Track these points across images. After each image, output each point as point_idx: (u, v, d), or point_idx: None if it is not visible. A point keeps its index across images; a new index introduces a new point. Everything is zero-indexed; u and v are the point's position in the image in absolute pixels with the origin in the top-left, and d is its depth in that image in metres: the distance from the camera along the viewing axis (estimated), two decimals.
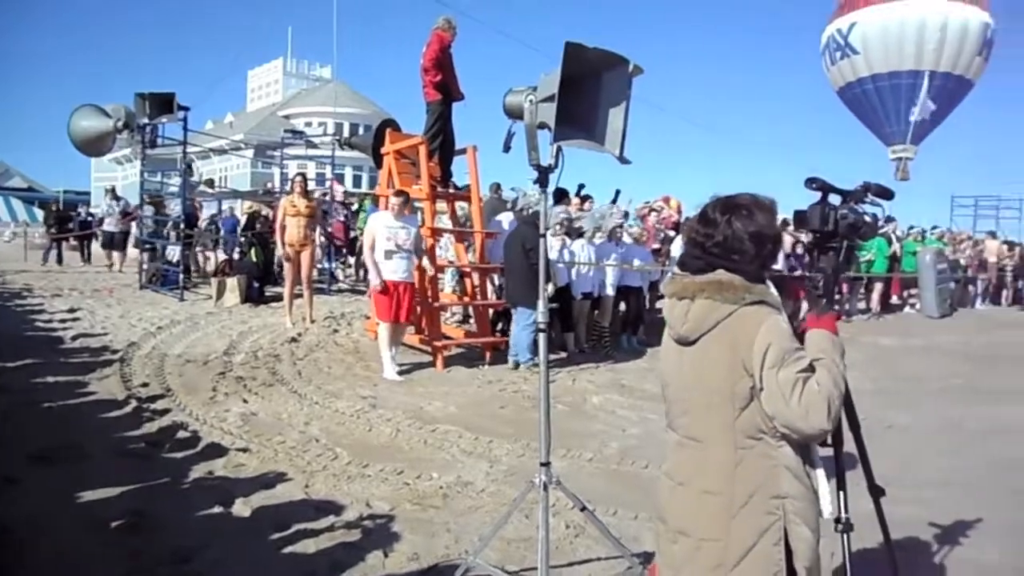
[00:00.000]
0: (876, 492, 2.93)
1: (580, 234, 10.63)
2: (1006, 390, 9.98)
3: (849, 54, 25.69)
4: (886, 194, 2.67)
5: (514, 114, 3.61)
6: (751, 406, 2.15)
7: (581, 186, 12.72)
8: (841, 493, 2.58)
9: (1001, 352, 12.75)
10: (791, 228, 9.35)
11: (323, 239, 14.52)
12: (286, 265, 10.69)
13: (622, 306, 11.42)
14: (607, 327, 10.89)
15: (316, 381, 8.06)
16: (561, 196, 11.58)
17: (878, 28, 24.47)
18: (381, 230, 8.36)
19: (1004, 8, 25.67)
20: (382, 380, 8.17)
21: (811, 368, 2.15)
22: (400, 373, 8.40)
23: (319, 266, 13.87)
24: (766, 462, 2.17)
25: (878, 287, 15.84)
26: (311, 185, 14.66)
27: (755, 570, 2.16)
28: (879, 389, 9.46)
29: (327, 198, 16.18)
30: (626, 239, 11.10)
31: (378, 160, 10.27)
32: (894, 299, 16.88)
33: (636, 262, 11.00)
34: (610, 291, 10.70)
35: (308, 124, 47.61)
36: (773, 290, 2.29)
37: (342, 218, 16.43)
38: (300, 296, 10.83)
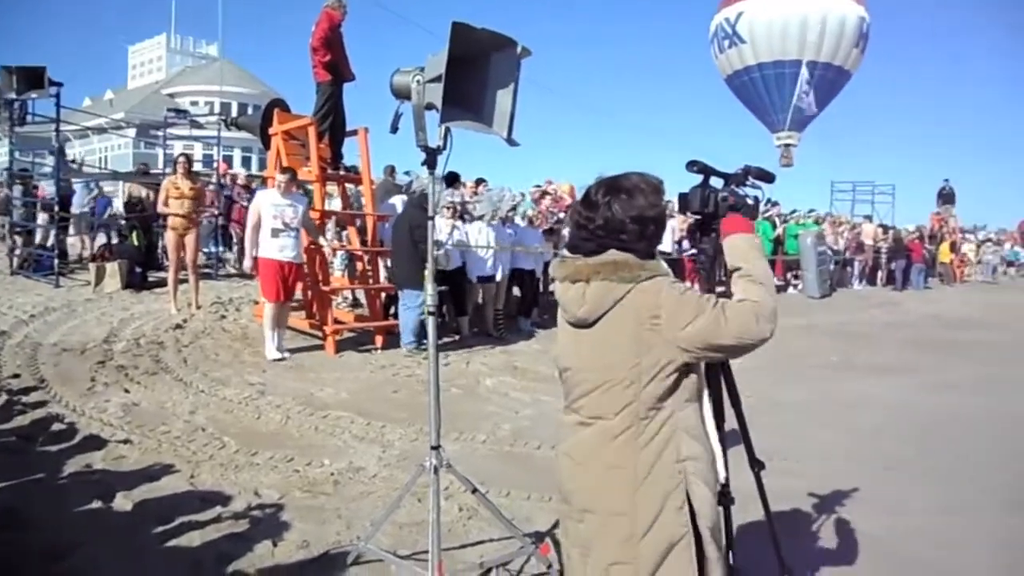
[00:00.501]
0: (756, 466, 3.01)
1: (479, 217, 10.61)
2: (879, 365, 10.52)
3: (737, 43, 26.34)
4: (767, 177, 2.73)
5: (401, 94, 3.54)
6: (657, 377, 2.18)
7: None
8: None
9: (874, 331, 13.41)
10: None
11: (210, 221, 14.02)
12: (170, 249, 10.26)
13: (516, 290, 11.49)
14: (501, 310, 10.92)
15: (202, 368, 7.79)
16: (453, 179, 11.50)
17: (764, 18, 25.18)
18: (267, 208, 8.11)
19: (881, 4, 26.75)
20: (271, 366, 7.96)
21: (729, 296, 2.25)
22: (290, 358, 8.22)
23: (205, 250, 13.41)
24: (667, 429, 2.20)
25: None
26: (198, 167, 14.15)
27: (663, 536, 2.19)
28: (764, 366, 9.74)
29: (228, 181, 15.62)
30: (519, 222, 11.14)
31: (266, 141, 9.96)
32: (777, 280, 17.49)
33: (535, 246, 11.08)
34: (504, 274, 10.72)
35: (194, 103, 45.80)
36: (665, 267, 2.32)
37: (245, 203, 15.89)
38: (185, 281, 10.44)
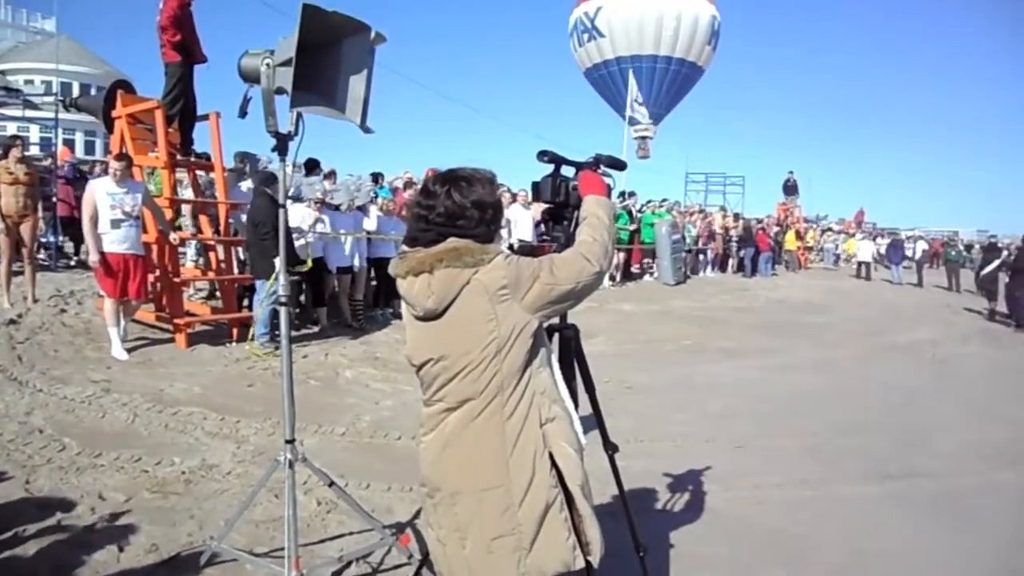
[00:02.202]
0: (611, 448, 3.07)
1: (336, 207, 10.39)
2: (729, 349, 10.99)
3: (596, 37, 26.94)
4: (618, 165, 2.78)
5: (250, 78, 3.41)
6: (516, 345, 2.22)
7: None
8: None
9: (725, 316, 13.98)
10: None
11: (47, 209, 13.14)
12: (3, 239, 9.51)
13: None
14: (361, 300, 10.76)
15: (40, 366, 7.26)
16: (312, 167, 11.20)
17: (622, 13, 25.84)
18: (103, 198, 7.55)
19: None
20: (116, 362, 7.53)
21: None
22: (137, 353, 7.81)
23: (43, 240, 12.57)
24: (528, 395, 2.25)
25: (620, 256, 16.73)
26: (35, 151, 13.24)
27: (538, 501, 2.23)
28: (621, 352, 10.08)
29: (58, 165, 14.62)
30: (375, 211, 10.98)
31: (109, 124, 9.41)
32: (635, 268, 17.96)
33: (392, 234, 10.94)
34: (363, 264, 10.55)
35: (28, 82, 42.71)
36: (503, 247, 2.37)
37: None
38: (21, 273, 9.75)
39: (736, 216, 24.86)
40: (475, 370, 2.22)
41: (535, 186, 2.74)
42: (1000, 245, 23.78)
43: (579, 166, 2.70)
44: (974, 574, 4.44)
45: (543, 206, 2.82)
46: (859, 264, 26.49)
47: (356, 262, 10.36)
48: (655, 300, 14.63)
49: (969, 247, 36.94)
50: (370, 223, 10.74)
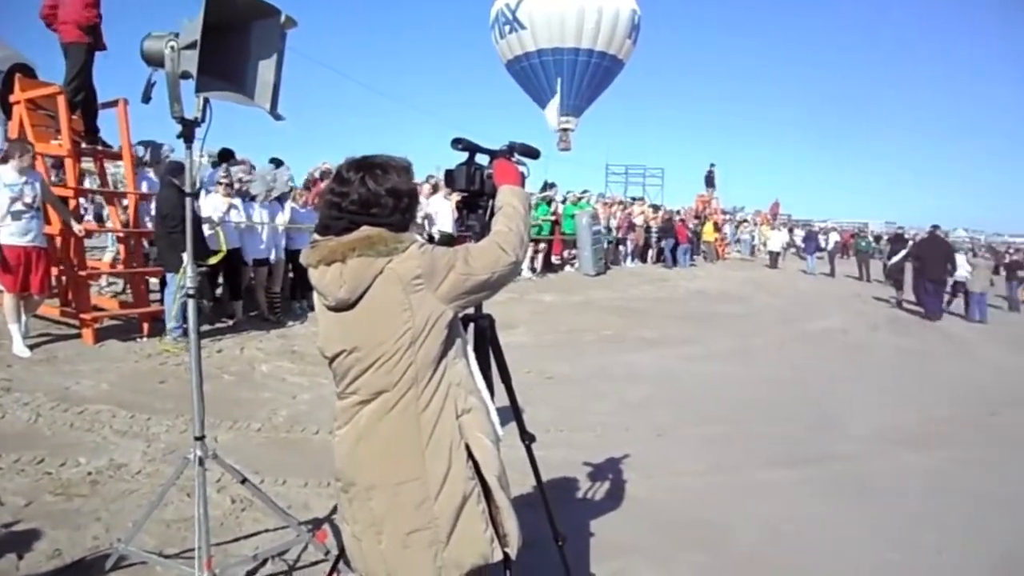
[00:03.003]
0: (528, 439, 3.05)
1: (252, 198, 10.12)
2: (649, 339, 11.12)
3: (517, 29, 26.86)
4: (532, 153, 2.75)
5: (153, 61, 3.26)
6: (431, 335, 2.19)
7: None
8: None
9: (645, 306, 14.15)
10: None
11: None
12: None
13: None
14: (278, 293, 10.52)
15: None
16: (227, 156, 10.88)
17: (543, 6, 25.84)
18: (1, 189, 7.18)
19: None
20: (18, 360, 7.17)
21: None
22: (40, 350, 7.47)
23: None
24: (443, 387, 2.22)
25: (542, 248, 16.78)
26: None
27: (455, 493, 2.20)
28: (542, 343, 10.10)
29: None
30: (291, 204, 10.74)
31: (7, 110, 8.97)
32: (556, 259, 18.01)
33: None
34: (281, 255, 10.31)
35: None
36: (417, 236, 2.32)
37: None
38: None
39: (655, 207, 25.18)
40: (389, 361, 2.17)
41: (449, 174, 2.70)
42: (906, 236, 24.70)
43: (493, 154, 2.66)
44: (884, 552, 4.58)
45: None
46: (771, 254, 27.16)
47: (273, 254, 10.12)
48: (576, 291, 14.71)
49: (878, 238, 38.23)
50: (286, 214, 10.50)
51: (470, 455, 2.23)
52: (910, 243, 21.88)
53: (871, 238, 34.32)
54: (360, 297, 2.18)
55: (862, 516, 5.11)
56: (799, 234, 36.00)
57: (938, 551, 4.67)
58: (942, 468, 6.26)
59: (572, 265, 17.82)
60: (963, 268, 17.27)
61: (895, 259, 19.88)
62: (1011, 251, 33.78)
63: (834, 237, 30.75)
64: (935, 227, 18.84)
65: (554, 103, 26.61)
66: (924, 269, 16.63)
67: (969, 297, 17.34)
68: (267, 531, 4.15)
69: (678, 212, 25.95)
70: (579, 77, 26.94)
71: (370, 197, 2.23)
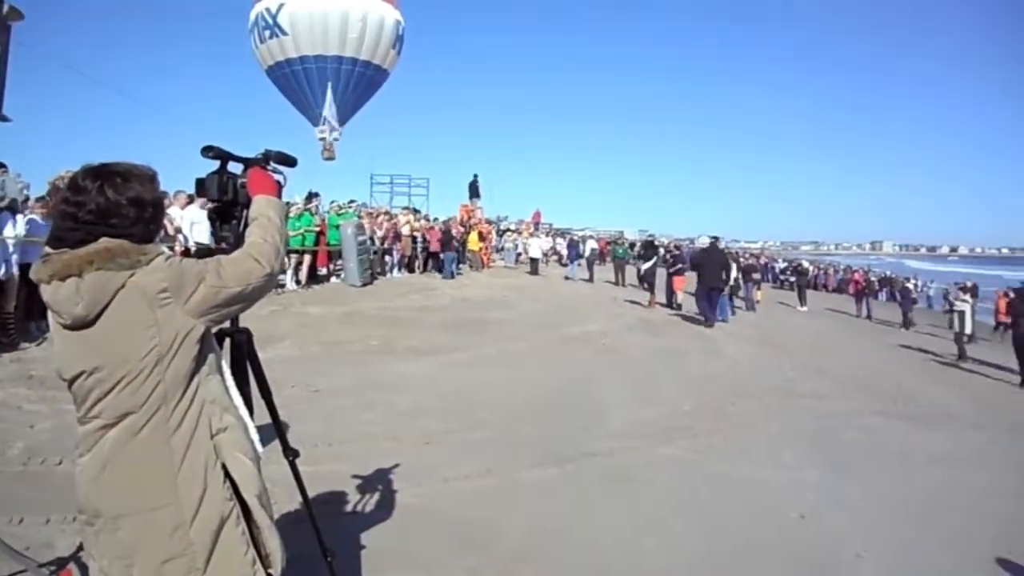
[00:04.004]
0: (291, 454, 2.97)
1: None
2: (416, 348, 11.19)
3: (278, 34, 26.04)
4: (288, 161, 2.68)
5: None
6: (180, 353, 2.07)
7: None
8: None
9: (413, 315, 14.23)
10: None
11: None
12: None
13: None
14: (12, 312, 9.59)
15: None
16: None
17: (305, 12, 25.21)
18: None
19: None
20: None
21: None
22: None
23: None
24: (196, 405, 2.11)
25: (307, 259, 16.40)
26: None
27: (212, 516, 2.09)
28: (308, 356, 9.89)
29: None
30: (31, 215, 9.86)
31: None
32: (321, 270, 17.67)
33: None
34: (13, 270, 9.41)
35: None
36: (163, 247, 2.19)
37: None
38: None
39: (424, 217, 25.39)
40: (134, 381, 2.04)
41: (200, 183, 2.57)
42: (657, 243, 26.46)
43: (247, 162, 2.57)
44: (641, 538, 4.90)
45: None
46: (531, 260, 28.15)
47: (3, 269, 9.21)
48: (342, 302, 14.51)
49: (632, 245, 40.64)
50: (19, 226, 9.60)
51: (227, 475, 2.14)
52: (660, 250, 23.46)
53: (627, 245, 36.36)
54: (100, 314, 2.02)
55: (620, 507, 5.45)
56: (562, 242, 37.57)
57: (686, 531, 5.07)
58: (687, 457, 6.79)
59: (338, 276, 17.58)
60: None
61: (647, 264, 21.22)
62: (746, 256, 37.20)
63: (591, 244, 32.35)
64: (714, 238, 20.05)
65: (326, 110, 26.08)
66: (703, 277, 17.38)
67: None
68: None
69: (445, 221, 26.20)
70: (343, 86, 26.62)
71: (109, 207, 2.09)
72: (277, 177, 2.59)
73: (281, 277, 14.89)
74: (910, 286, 26.80)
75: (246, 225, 2.43)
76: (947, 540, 5.36)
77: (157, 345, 2.04)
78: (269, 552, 2.22)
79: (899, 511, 5.87)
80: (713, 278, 17.22)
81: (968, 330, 17.05)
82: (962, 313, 16.95)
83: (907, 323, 24.39)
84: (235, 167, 2.57)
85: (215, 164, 2.55)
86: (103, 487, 2.08)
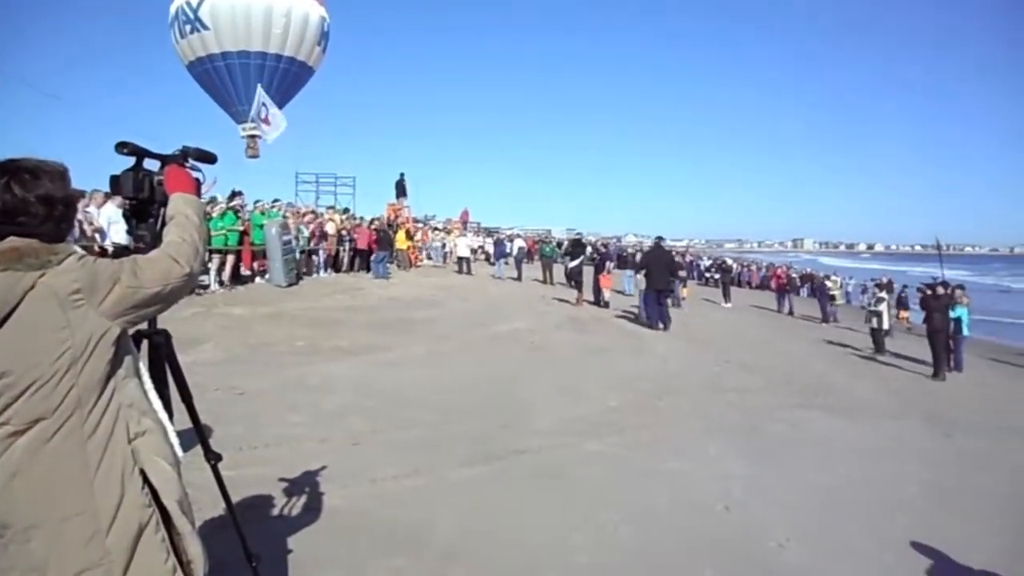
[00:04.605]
0: (213, 458, 2.89)
1: None
2: (343, 348, 11.08)
3: (199, 29, 25.40)
4: (207, 158, 2.62)
5: None
6: (94, 355, 1.99)
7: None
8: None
9: (339, 315, 14.06)
10: None
11: None
12: None
13: None
14: None
15: None
16: None
17: (227, 5, 24.65)
18: None
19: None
20: None
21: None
22: None
23: None
24: (112, 409, 2.04)
25: (230, 259, 16.05)
26: None
27: (129, 523, 2.02)
28: (232, 358, 9.70)
29: None
30: None
31: None
32: (245, 271, 17.31)
33: None
34: None
35: None
36: (75, 247, 2.11)
37: None
38: None
39: (352, 216, 25.11)
40: (45, 386, 1.95)
41: (115, 180, 2.47)
42: (584, 241, 26.66)
43: (164, 159, 2.49)
44: (570, 535, 4.93)
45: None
46: (459, 259, 28.09)
47: None
48: (267, 303, 14.24)
49: (560, 244, 40.91)
50: None
51: (146, 481, 2.07)
52: (588, 248, 23.65)
53: (555, 244, 36.58)
54: (8, 316, 1.93)
55: (550, 504, 5.47)
56: (489, 240, 37.61)
57: (615, 526, 5.11)
58: (616, 452, 6.86)
59: (263, 277, 17.26)
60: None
61: (574, 262, 21.36)
62: (673, 254, 37.74)
63: (519, 243, 32.43)
64: (659, 239, 19.50)
65: (257, 106, 25.50)
66: (651, 279, 17.03)
67: (641, 295, 19.05)
68: None
69: (372, 221, 25.93)
70: (267, 83, 26.15)
71: (17, 205, 2.00)
72: (196, 174, 2.52)
73: (204, 278, 14.58)
74: (829, 283, 27.51)
75: (163, 223, 2.36)
76: (866, 527, 5.52)
77: (70, 348, 1.96)
78: (191, 559, 2.16)
79: (821, 500, 6.02)
80: (661, 280, 16.94)
81: (886, 326, 17.72)
82: (879, 313, 17.57)
83: (826, 318, 25.13)
84: (152, 164, 2.49)
85: (131, 161, 2.47)
86: (13, 497, 1.97)
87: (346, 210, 28.08)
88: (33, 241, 1.99)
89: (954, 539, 5.31)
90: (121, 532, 2.02)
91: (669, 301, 18.90)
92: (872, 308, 18.29)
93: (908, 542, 5.22)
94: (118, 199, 12.14)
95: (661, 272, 17.03)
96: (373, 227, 23.63)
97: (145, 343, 2.56)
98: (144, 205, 2.46)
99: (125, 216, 2.55)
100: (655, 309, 16.66)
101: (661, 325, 16.46)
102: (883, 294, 18.89)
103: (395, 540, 4.64)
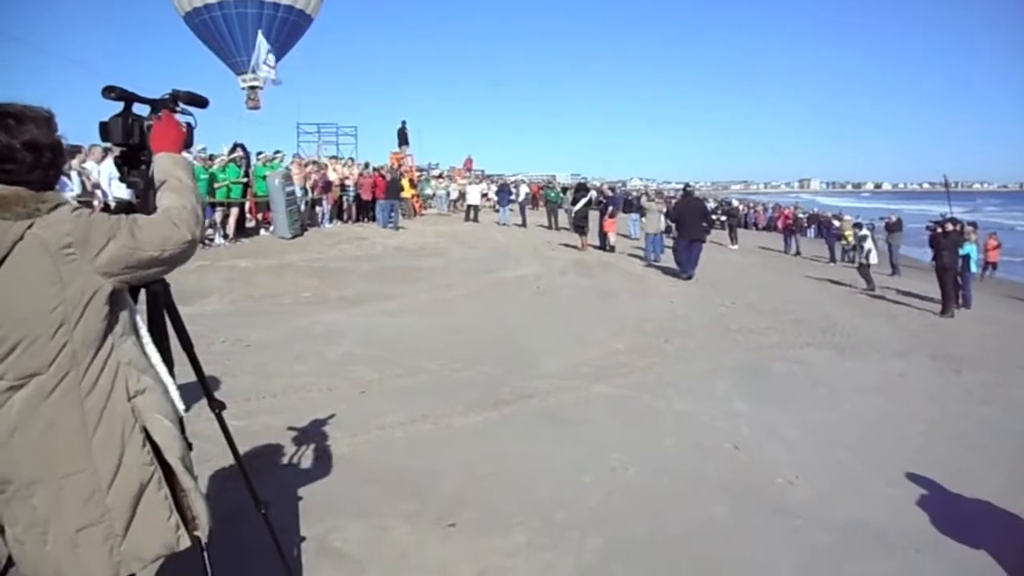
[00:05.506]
0: (217, 407, 2.87)
1: None
2: (348, 297, 11.09)
3: None
4: (199, 101, 2.54)
5: None
6: (88, 312, 1.95)
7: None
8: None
9: (345, 265, 14.06)
10: None
11: None
12: None
13: None
14: None
15: None
16: None
17: None
18: None
19: None
20: None
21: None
22: None
23: None
24: (111, 366, 2.01)
25: (234, 212, 15.97)
26: None
27: (130, 481, 2.01)
28: (238, 310, 9.70)
29: None
30: None
31: None
32: (250, 222, 17.23)
33: None
34: None
35: None
36: (66, 196, 2.05)
37: None
38: None
39: (364, 164, 24.95)
40: (37, 342, 1.91)
41: (104, 127, 2.40)
42: (588, 185, 26.49)
43: (154, 104, 2.41)
44: (579, 476, 4.95)
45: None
46: (468, 207, 27.94)
47: None
48: (271, 254, 14.22)
49: (565, 189, 40.67)
50: None
51: (148, 438, 2.06)
52: (591, 192, 23.50)
53: (559, 189, 36.34)
54: None
55: (558, 446, 5.48)
56: (492, 187, 37.39)
57: (624, 467, 5.12)
58: (623, 395, 6.86)
59: (267, 229, 17.21)
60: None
61: (578, 206, 21.21)
62: (675, 197, 37.50)
63: (524, 189, 32.26)
64: (687, 186, 19.34)
65: (257, 56, 25.15)
66: (683, 229, 16.64)
67: (647, 238, 18.98)
68: None
69: (376, 169, 25.70)
70: (265, 32, 25.79)
71: (2, 151, 1.92)
72: (187, 118, 2.46)
73: (208, 231, 14.53)
74: (836, 223, 27.34)
75: (151, 184, 2.31)
76: (874, 463, 5.53)
77: (62, 304, 1.92)
78: (196, 515, 2.17)
79: (828, 438, 6.03)
80: (695, 229, 16.47)
81: (874, 260, 17.73)
82: (866, 249, 17.74)
83: (833, 257, 25.06)
84: (141, 109, 2.42)
85: (119, 107, 2.40)
86: (13, 452, 1.96)
87: (351, 159, 27.85)
88: (20, 189, 1.92)
89: (960, 473, 5.31)
90: (122, 490, 2.01)
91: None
92: (859, 244, 18.37)
93: (915, 477, 5.23)
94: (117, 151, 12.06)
95: (695, 220, 16.60)
96: (381, 173, 23.35)
97: (143, 293, 2.51)
98: (135, 151, 2.40)
99: (116, 164, 2.49)
100: (687, 257, 16.25)
101: (693, 272, 16.08)
102: (865, 232, 18.84)
103: (404, 486, 4.66)
